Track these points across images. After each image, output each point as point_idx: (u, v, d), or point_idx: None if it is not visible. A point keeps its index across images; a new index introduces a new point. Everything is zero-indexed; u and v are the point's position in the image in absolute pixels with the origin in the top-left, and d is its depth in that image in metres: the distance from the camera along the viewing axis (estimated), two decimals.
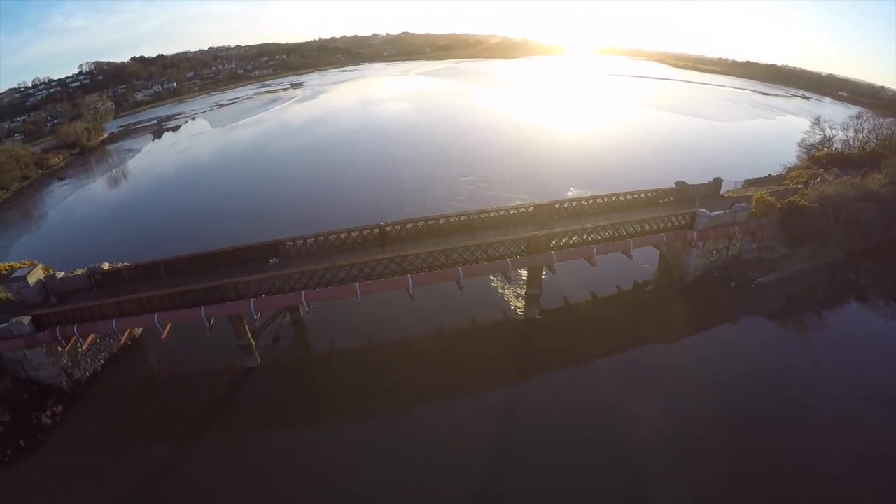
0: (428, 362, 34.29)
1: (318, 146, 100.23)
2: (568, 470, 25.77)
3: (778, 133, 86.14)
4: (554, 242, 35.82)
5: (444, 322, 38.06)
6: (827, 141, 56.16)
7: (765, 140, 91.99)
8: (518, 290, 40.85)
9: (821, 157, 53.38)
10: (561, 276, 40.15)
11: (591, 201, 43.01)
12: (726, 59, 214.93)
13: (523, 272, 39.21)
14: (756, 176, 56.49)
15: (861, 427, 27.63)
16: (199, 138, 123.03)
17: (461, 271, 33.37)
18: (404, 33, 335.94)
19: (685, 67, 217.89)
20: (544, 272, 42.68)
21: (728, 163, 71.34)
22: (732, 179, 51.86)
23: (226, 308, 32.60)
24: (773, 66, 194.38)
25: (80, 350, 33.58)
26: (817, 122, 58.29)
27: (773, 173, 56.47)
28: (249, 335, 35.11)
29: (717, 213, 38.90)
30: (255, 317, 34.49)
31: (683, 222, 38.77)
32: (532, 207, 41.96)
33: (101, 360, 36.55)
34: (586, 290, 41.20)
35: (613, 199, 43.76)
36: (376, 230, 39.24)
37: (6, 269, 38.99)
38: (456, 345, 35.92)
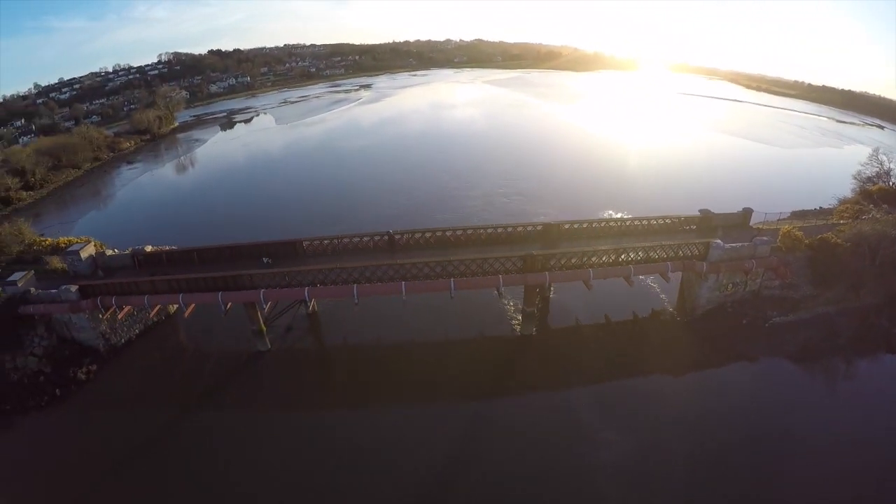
0: (421, 365, 36.88)
1: (369, 150, 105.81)
2: (520, 482, 26.92)
3: (841, 163, 79.65)
4: (553, 262, 36.66)
5: (444, 330, 40.23)
6: (884, 174, 52.03)
7: (826, 170, 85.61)
8: (519, 305, 42.01)
9: (873, 192, 49.68)
10: (570, 296, 40.97)
11: (603, 224, 43.33)
12: (802, 83, 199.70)
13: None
14: (806, 207, 53.64)
15: None
16: (261, 134, 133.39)
17: (453, 283, 35.27)
18: (477, 40, 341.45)
19: (758, 89, 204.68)
20: (552, 291, 43.78)
21: (780, 191, 67.85)
22: (777, 210, 49.90)
23: (239, 296, 36.73)
24: (849, 91, 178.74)
25: (117, 319, 39.03)
26: (875, 153, 54.11)
27: (826, 206, 53.28)
28: (261, 322, 39.13)
29: (733, 245, 37.99)
30: (264, 306, 38.29)
31: (695, 253, 38.19)
32: (541, 226, 42.99)
33: (136, 330, 42.02)
34: (593, 313, 41.55)
35: (629, 223, 43.78)
36: (386, 237, 42.00)
37: (64, 243, 45.99)
38: (450, 352, 38.12)
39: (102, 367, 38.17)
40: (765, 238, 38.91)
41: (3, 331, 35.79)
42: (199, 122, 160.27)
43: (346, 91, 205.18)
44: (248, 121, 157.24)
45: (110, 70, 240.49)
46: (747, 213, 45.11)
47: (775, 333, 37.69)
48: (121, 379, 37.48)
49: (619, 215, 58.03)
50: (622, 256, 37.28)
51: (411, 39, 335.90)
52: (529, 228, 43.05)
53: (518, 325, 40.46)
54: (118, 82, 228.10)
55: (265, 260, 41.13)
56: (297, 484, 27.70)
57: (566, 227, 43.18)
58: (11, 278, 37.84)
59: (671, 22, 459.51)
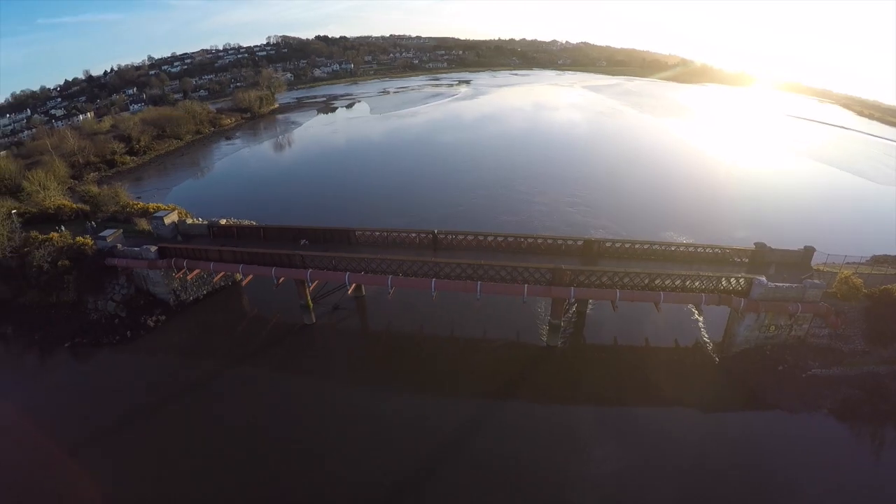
0: (445, 358, 40.48)
1: (454, 147, 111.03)
2: (501, 477, 29.56)
3: None
4: (582, 279, 38.01)
5: (474, 329, 43.38)
6: None
7: None
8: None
9: None
10: (608, 314, 42.01)
11: (647, 246, 43.69)
12: None
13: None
14: (891, 253, 50.11)
15: None
16: (353, 122, 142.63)
17: (479, 286, 37.81)
18: (583, 43, 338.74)
19: (871, 117, 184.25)
20: (590, 307, 44.98)
21: (866, 232, 62.91)
22: (859, 253, 47.05)
23: (289, 272, 41.78)
24: None
25: (187, 279, 45.55)
26: None
27: None
28: (308, 298, 44.03)
29: (778, 284, 37.21)
30: (310, 284, 43.01)
31: (736, 287, 37.84)
32: (581, 241, 44.19)
33: (204, 291, 48.70)
34: (629, 334, 42.45)
35: (674, 248, 43.79)
36: (430, 236, 45.26)
37: (153, 208, 53.82)
38: (474, 350, 41.19)
39: (170, 318, 45.00)
40: (817, 282, 37.63)
41: (91, 277, 43.58)
42: (299, 105, 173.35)
43: (446, 85, 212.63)
44: (344, 107, 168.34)
45: (220, 48, 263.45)
46: (808, 251, 43.34)
47: (812, 385, 36.34)
48: (183, 331, 44.05)
49: (671, 238, 57.46)
50: (656, 281, 37.70)
51: (517, 38, 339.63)
52: (570, 242, 44.38)
53: (545, 335, 42.13)
54: (227, 60, 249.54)
55: (303, 242, 46.02)
56: (312, 440, 32.43)
57: (607, 244, 44.10)
58: (103, 234, 46.07)
59: (786, 37, 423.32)
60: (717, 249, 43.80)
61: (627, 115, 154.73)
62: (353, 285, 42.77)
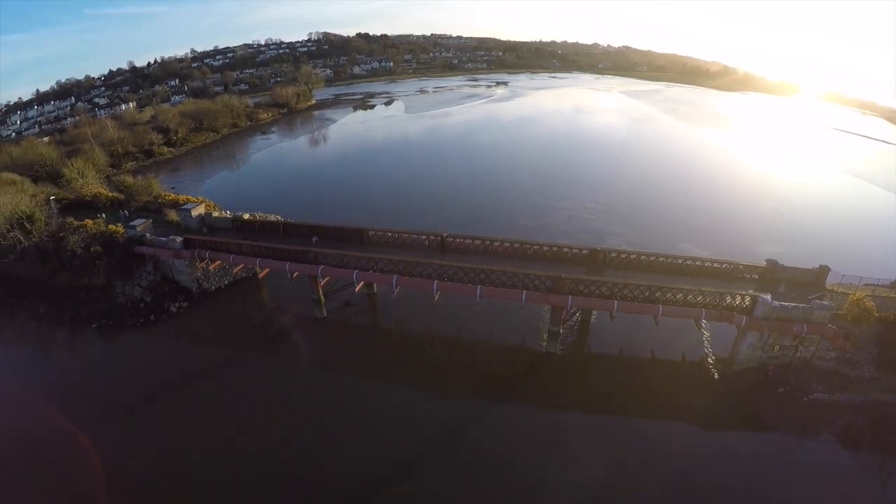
0: (445, 357, 42.63)
1: (485, 148, 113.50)
2: (476, 475, 31.38)
3: None
4: (582, 288, 39.14)
5: (477, 331, 45.33)
6: None
7: None
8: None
9: None
10: (611, 324, 42.92)
11: (653, 258, 44.26)
12: None
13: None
14: None
15: None
16: (387, 121, 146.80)
17: (479, 290, 39.51)
18: (625, 47, 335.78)
19: None
20: (594, 316, 45.97)
21: None
22: (883, 277, 46.10)
23: (302, 268, 44.59)
24: None
25: (209, 269, 49.11)
26: None
27: None
28: (320, 293, 46.78)
29: (784, 304, 37.35)
30: (321, 280, 45.70)
31: (738, 304, 38.16)
32: (587, 251, 45.18)
33: (225, 281, 52.38)
34: (632, 346, 43.18)
35: (681, 261, 44.19)
36: (439, 239, 47.21)
37: (182, 200, 57.87)
38: (474, 352, 43.13)
39: (192, 305, 48.79)
40: (825, 303, 37.56)
41: (120, 263, 47.83)
42: (336, 102, 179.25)
43: (484, 86, 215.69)
44: (381, 105, 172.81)
45: (262, 43, 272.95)
46: (823, 270, 42.98)
47: (813, 410, 36.23)
48: (204, 318, 47.72)
49: (689, 250, 57.43)
50: (656, 294, 38.40)
51: (558, 40, 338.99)
52: (575, 251, 45.43)
53: (544, 341, 43.42)
54: (268, 55, 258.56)
55: (314, 239, 48.93)
56: (312, 424, 35.31)
57: (612, 255, 44.97)
58: (134, 223, 50.36)
59: (832, 46, 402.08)
60: (726, 264, 43.95)
61: (663, 123, 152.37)
62: (362, 283, 45.18)
